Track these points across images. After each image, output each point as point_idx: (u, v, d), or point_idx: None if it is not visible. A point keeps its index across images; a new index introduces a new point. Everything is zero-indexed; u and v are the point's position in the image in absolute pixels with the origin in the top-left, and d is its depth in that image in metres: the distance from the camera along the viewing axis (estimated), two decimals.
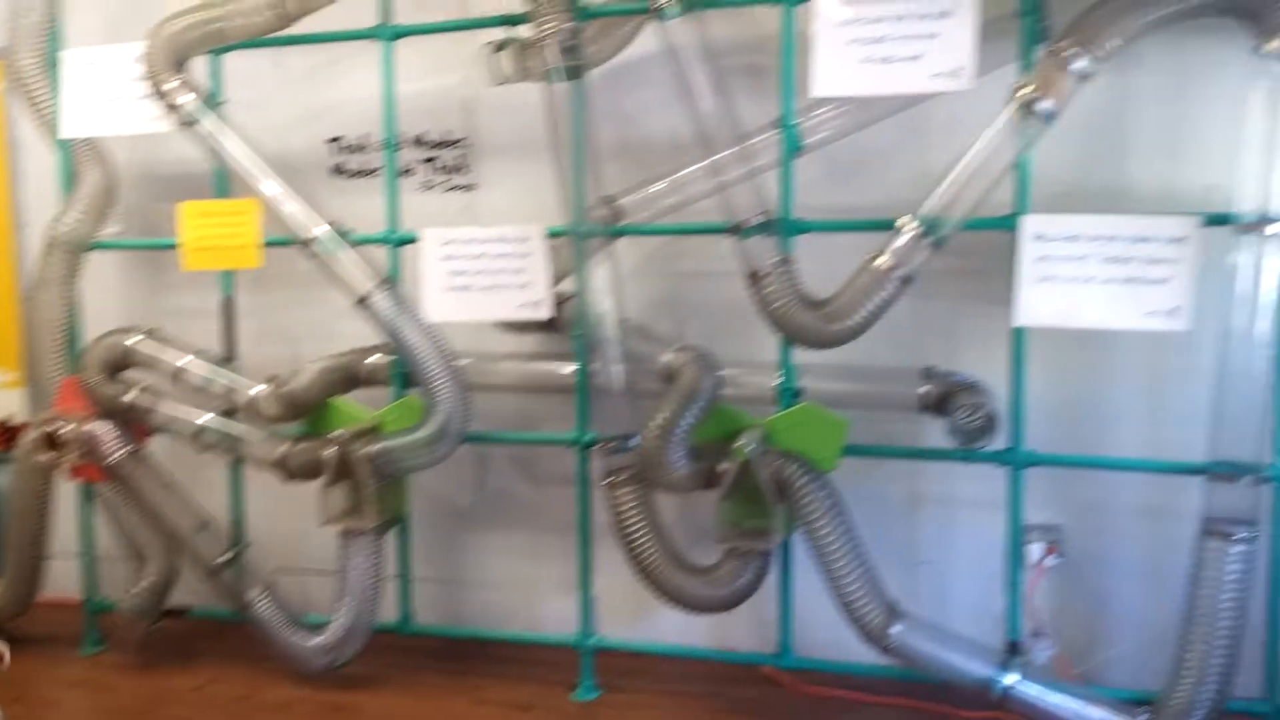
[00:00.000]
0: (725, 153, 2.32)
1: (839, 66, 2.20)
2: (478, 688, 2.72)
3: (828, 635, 2.42)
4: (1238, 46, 2.02)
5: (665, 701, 2.62)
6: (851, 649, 2.35)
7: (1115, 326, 2.14)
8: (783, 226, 2.35)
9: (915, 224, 2.16)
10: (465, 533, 3.09)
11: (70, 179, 2.97)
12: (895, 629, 2.28)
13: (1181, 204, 2.21)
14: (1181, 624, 2.09)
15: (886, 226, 2.21)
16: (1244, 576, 2.03)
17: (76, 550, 3.14)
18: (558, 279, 2.59)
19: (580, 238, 2.49)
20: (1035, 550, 2.44)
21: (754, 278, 2.32)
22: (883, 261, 2.19)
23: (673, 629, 2.71)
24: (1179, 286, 2.07)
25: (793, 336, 2.34)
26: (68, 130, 2.92)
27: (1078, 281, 2.13)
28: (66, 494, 3.10)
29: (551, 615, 2.88)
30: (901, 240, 2.18)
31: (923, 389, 2.39)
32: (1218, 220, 2.06)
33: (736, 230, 2.33)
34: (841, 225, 2.39)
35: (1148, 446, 2.39)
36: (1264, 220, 1.99)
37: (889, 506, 2.64)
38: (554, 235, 2.54)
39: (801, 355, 2.41)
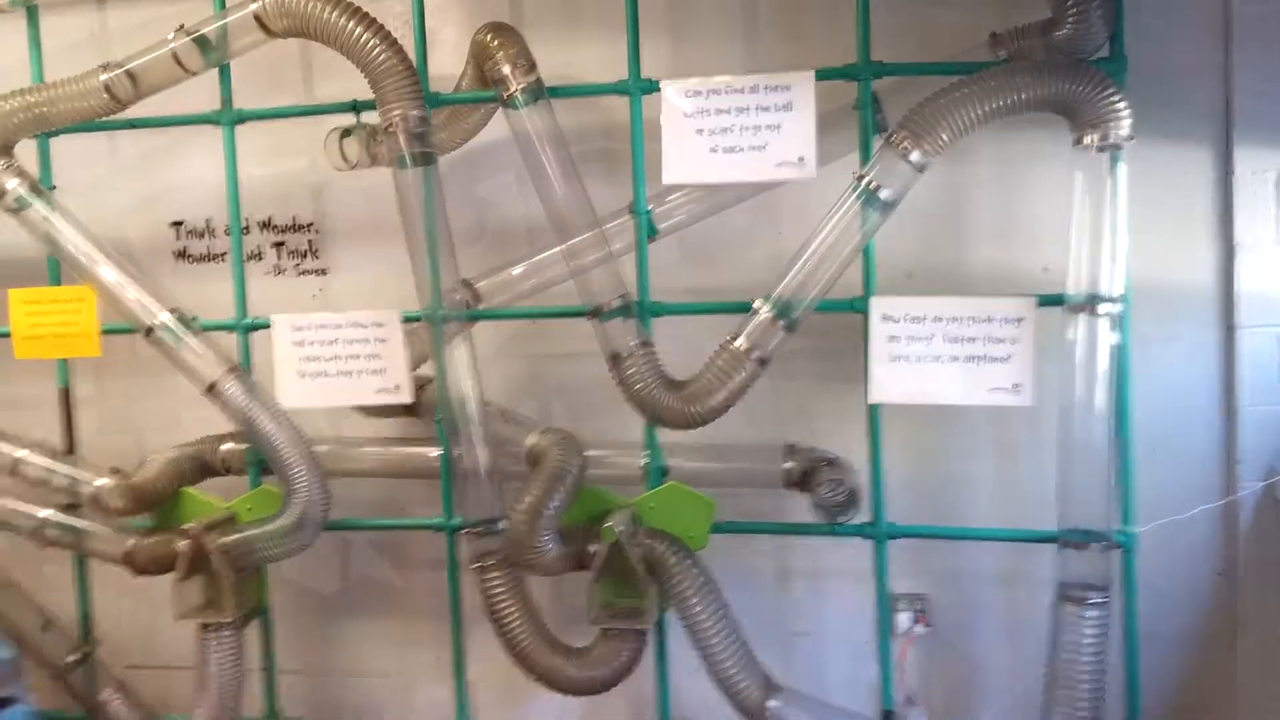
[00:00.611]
0: (581, 237, 2.32)
1: (687, 155, 2.23)
2: None
3: (706, 712, 2.43)
4: (1061, 139, 2.12)
5: None
6: None
7: (962, 402, 2.22)
8: (641, 309, 2.36)
9: (768, 307, 2.20)
10: (332, 622, 2.99)
11: None
12: (772, 703, 2.29)
13: (1019, 285, 2.32)
14: (1045, 688, 2.16)
15: (743, 308, 2.24)
16: (1100, 640, 2.11)
17: None
18: (417, 363, 2.54)
19: (438, 322, 2.44)
20: (904, 619, 2.50)
21: (615, 360, 2.32)
22: (740, 344, 2.21)
23: (551, 711, 2.67)
24: (1020, 363, 2.15)
25: (655, 417, 2.35)
26: None
27: (926, 360, 2.20)
28: None
29: (426, 703, 2.81)
30: (756, 322, 2.21)
31: (786, 465, 2.42)
32: (1052, 301, 2.16)
33: (596, 313, 2.33)
34: (699, 308, 2.42)
35: (1002, 516, 2.48)
36: (1094, 300, 2.09)
37: (760, 581, 2.66)
38: (411, 319, 2.49)
39: (667, 435, 2.42)
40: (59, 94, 2.47)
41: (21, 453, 2.68)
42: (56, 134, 2.63)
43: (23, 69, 2.68)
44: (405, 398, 2.51)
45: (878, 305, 2.22)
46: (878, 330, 2.21)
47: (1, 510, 2.68)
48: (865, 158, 2.22)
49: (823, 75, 2.19)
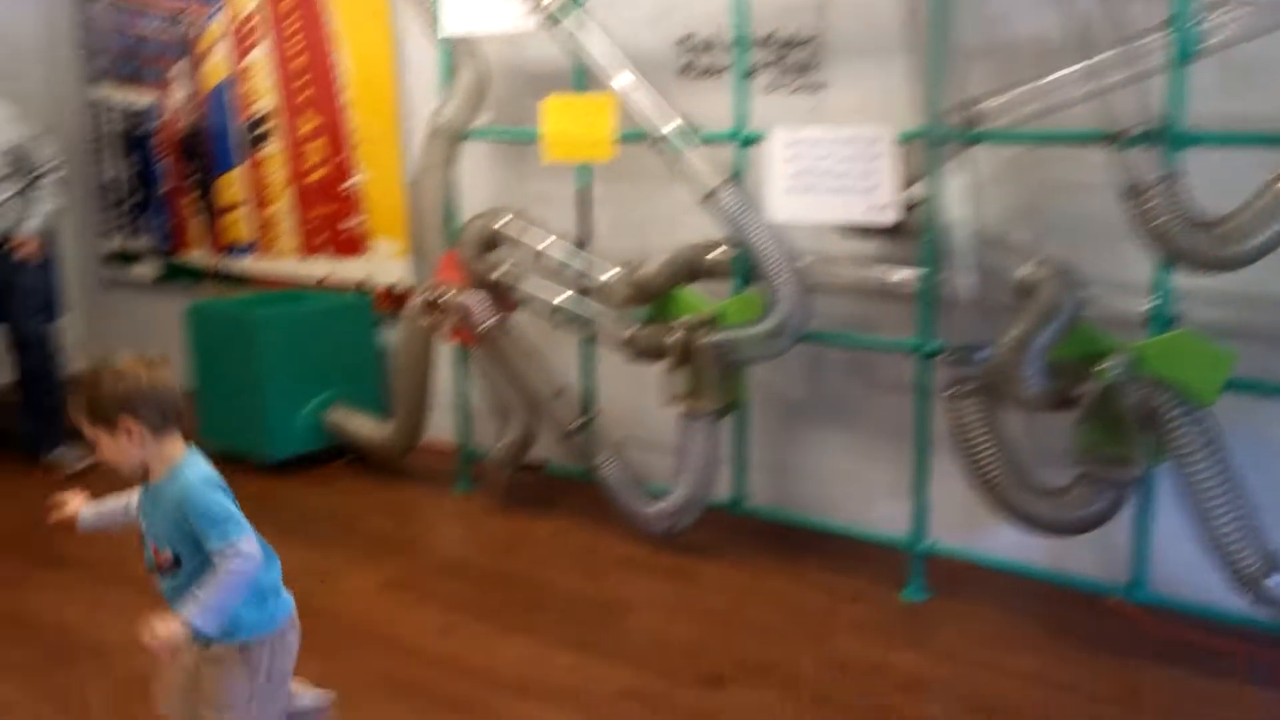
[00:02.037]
0: (1105, 55, 2.10)
1: None
2: (805, 572, 2.84)
3: (1184, 575, 2.30)
4: None
5: (996, 615, 2.60)
6: (1212, 593, 2.23)
7: None
8: (1170, 137, 2.12)
9: None
10: (799, 426, 3.15)
11: (449, 74, 3.20)
12: (1274, 579, 2.12)
13: None
14: None
15: None
16: None
17: (453, 403, 3.53)
18: (907, 184, 2.50)
19: (934, 142, 2.37)
20: None
21: (1133, 192, 2.13)
22: None
23: (1008, 544, 2.65)
24: None
25: (1176, 257, 2.14)
26: (448, 29, 3.11)
27: None
28: (445, 354, 3.48)
29: (881, 514, 2.91)
30: None
31: None
32: None
33: (1114, 140, 2.13)
34: (1240, 138, 2.12)
35: None
36: None
37: (1275, 450, 2.36)
38: (906, 139, 2.44)
39: (1180, 279, 2.20)
40: None
41: (546, 242, 3.06)
42: None
43: None
44: (891, 218, 2.50)
45: None
46: None
47: (526, 292, 3.10)
48: None
49: None
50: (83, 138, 4.82)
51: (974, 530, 2.70)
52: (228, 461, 3.63)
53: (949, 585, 2.71)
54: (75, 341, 4.92)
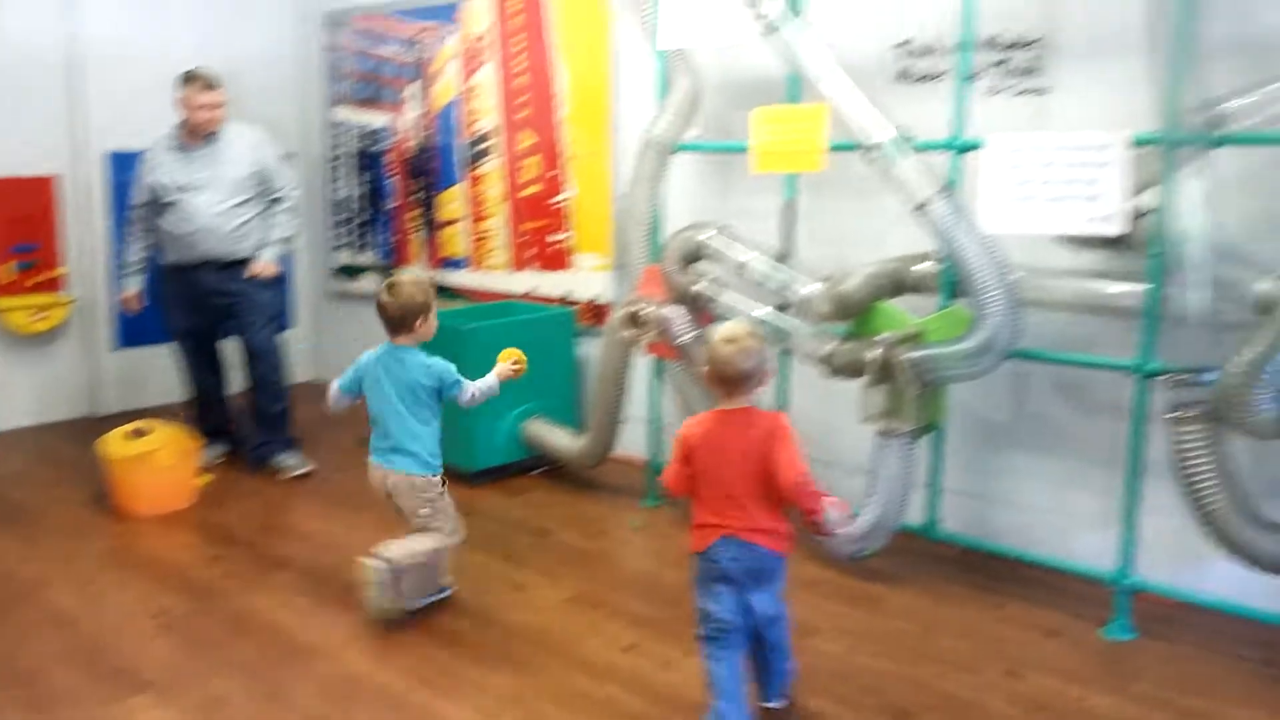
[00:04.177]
0: None
1: None
2: (1000, 605, 2.70)
3: None
4: None
5: (1207, 659, 2.40)
6: None
7: None
8: None
9: None
10: (999, 450, 3.03)
11: (664, 88, 3.27)
12: None
13: None
14: None
15: None
16: None
17: (646, 416, 3.56)
18: (1135, 191, 2.38)
19: (1171, 146, 2.25)
20: None
21: None
22: None
23: (1223, 582, 2.45)
24: None
25: None
26: (667, 41, 3.19)
27: None
28: (640, 367, 3.52)
29: (1085, 546, 2.74)
30: None
31: None
32: None
33: None
34: None
35: None
36: None
37: None
38: (1140, 143, 2.32)
39: None
40: None
41: (749, 256, 3.07)
42: None
43: None
44: (1116, 229, 2.38)
45: None
46: None
47: (725, 305, 3.11)
48: None
49: None
50: (321, 157, 5.22)
51: (1185, 566, 2.51)
52: None
53: (1156, 624, 2.53)
54: (303, 351, 5.30)
